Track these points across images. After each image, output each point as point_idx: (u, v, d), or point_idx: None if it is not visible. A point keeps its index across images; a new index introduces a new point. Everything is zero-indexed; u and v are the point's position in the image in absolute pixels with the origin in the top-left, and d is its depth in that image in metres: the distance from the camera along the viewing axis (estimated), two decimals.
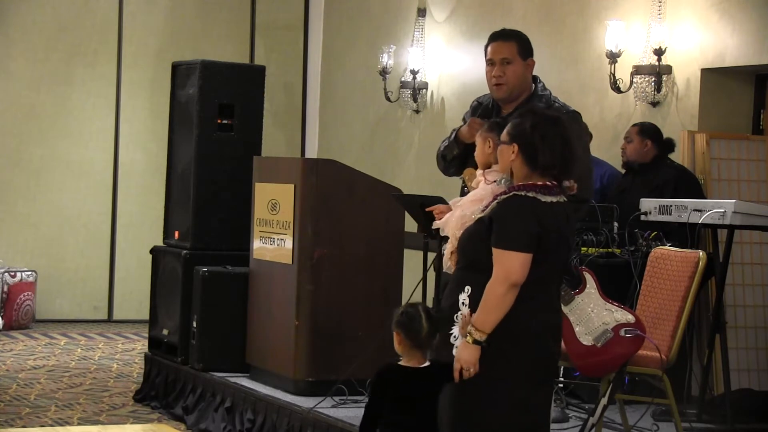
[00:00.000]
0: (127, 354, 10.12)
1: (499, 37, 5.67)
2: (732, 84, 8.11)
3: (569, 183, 4.60)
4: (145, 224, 11.62)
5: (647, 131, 7.85)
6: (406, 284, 7.25)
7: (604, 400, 5.61)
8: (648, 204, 6.97)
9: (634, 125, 7.95)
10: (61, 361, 9.63)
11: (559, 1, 9.18)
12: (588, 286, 5.49)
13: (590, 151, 5.72)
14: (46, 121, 11.73)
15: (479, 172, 5.16)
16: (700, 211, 6.57)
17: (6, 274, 11.16)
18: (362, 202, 7.16)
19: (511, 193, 4.41)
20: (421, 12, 10.70)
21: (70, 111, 11.81)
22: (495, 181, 4.78)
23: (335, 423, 6.41)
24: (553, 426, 4.63)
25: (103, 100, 11.92)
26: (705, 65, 8.00)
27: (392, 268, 7.24)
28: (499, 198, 4.43)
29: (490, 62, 5.63)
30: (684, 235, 6.64)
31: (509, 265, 4.30)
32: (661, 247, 6.45)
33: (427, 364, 4.53)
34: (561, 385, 6.60)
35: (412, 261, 7.48)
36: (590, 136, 5.84)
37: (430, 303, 6.70)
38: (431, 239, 6.68)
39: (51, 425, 7.40)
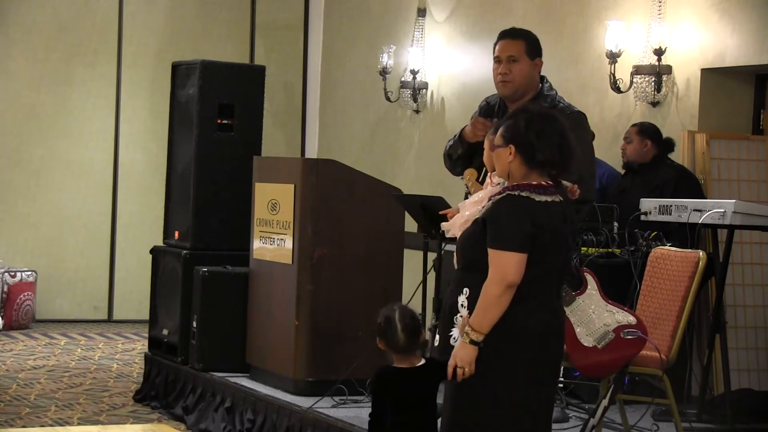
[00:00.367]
0: (127, 354, 10.13)
1: (508, 35, 5.67)
2: (732, 84, 8.11)
3: (570, 185, 4.60)
4: (145, 224, 11.62)
5: (647, 131, 7.86)
6: (406, 284, 7.25)
7: (604, 401, 5.60)
8: (648, 204, 6.97)
9: (634, 125, 7.95)
10: (61, 361, 9.63)
11: (559, 1, 9.18)
12: (589, 287, 5.48)
13: (594, 153, 5.70)
14: (46, 121, 11.73)
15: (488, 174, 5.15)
16: (700, 211, 6.57)
17: (6, 274, 11.16)
18: (362, 202, 7.16)
19: (504, 193, 4.39)
20: (421, 12, 10.70)
21: (70, 111, 11.81)
22: (499, 183, 4.77)
23: (335, 423, 6.41)
24: (553, 426, 4.62)
25: (103, 100, 11.92)
26: (705, 65, 8.00)
27: (392, 268, 7.24)
28: (493, 198, 4.43)
29: (497, 59, 5.62)
30: (684, 235, 6.64)
31: (504, 266, 4.30)
32: (661, 247, 6.45)
33: (422, 362, 4.55)
34: (561, 385, 6.60)
35: (412, 261, 7.49)
36: (593, 135, 5.82)
37: (430, 303, 6.72)
38: (431, 239, 6.70)
39: (51, 425, 7.40)
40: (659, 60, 8.13)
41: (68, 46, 11.79)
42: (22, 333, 11.00)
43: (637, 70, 8.26)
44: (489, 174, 5.07)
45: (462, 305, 4.43)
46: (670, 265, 5.99)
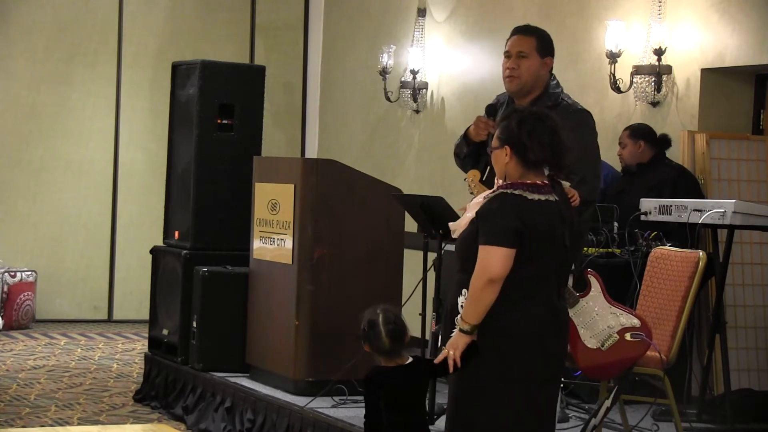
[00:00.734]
0: (127, 354, 10.13)
1: (520, 31, 5.64)
2: (732, 84, 8.10)
3: (568, 187, 4.59)
4: (145, 224, 11.62)
5: (638, 132, 7.90)
6: (406, 284, 7.25)
7: (607, 402, 5.60)
8: (648, 204, 6.97)
9: (625, 129, 8.00)
10: (61, 361, 9.63)
11: (559, 1, 9.18)
12: (593, 289, 5.47)
13: (599, 152, 5.67)
14: (46, 121, 11.73)
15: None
16: (700, 211, 6.57)
17: (6, 274, 11.16)
18: (362, 202, 7.16)
19: (498, 192, 4.41)
20: (421, 12, 10.70)
21: (70, 111, 11.82)
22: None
23: (335, 423, 6.41)
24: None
25: (103, 100, 11.92)
26: (705, 65, 8.00)
27: (392, 268, 7.24)
28: (487, 196, 4.43)
29: (506, 54, 5.59)
30: (684, 235, 6.64)
31: (487, 259, 4.31)
32: (661, 247, 6.45)
33: (410, 360, 4.58)
34: (561, 386, 6.60)
35: (412, 261, 7.48)
36: (596, 135, 5.78)
37: (430, 303, 6.72)
38: (431, 239, 6.70)
39: (51, 425, 7.40)
40: (659, 60, 8.13)
41: (68, 46, 11.79)
42: (22, 333, 11.00)
43: (637, 70, 8.26)
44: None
45: (462, 306, 4.43)
46: (670, 265, 5.99)
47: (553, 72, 5.68)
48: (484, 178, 5.44)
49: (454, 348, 4.40)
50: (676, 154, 7.93)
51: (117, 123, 11.97)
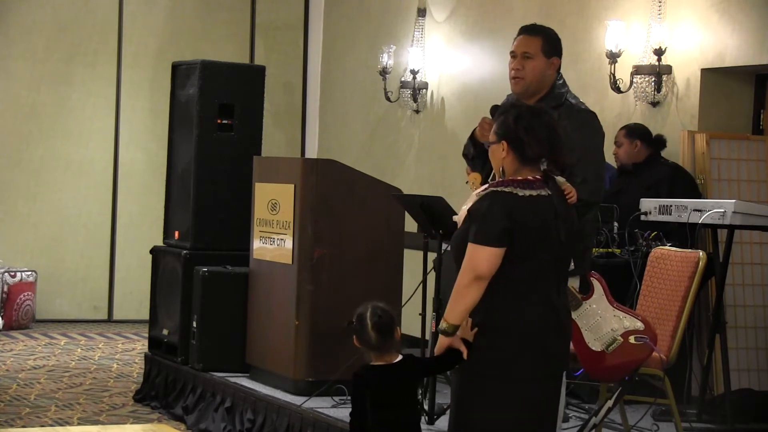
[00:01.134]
0: (127, 354, 10.13)
1: (526, 31, 5.59)
2: (732, 84, 8.11)
3: (563, 182, 4.58)
4: (145, 224, 11.62)
5: (634, 132, 7.93)
6: (406, 284, 7.25)
7: (609, 403, 5.60)
8: (648, 204, 6.96)
9: (621, 128, 8.01)
10: (61, 361, 9.63)
11: (559, 1, 9.18)
12: (596, 291, 5.45)
13: (604, 154, 5.65)
14: (46, 121, 11.73)
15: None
16: (700, 211, 6.57)
17: (6, 274, 11.16)
18: (362, 202, 7.16)
19: (488, 189, 4.40)
20: (421, 12, 10.70)
21: (70, 111, 11.82)
22: None
23: (335, 423, 6.41)
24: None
25: (103, 100, 11.92)
26: (705, 65, 8.00)
27: (392, 268, 7.23)
28: (479, 194, 4.43)
29: (512, 54, 5.56)
30: (684, 235, 6.64)
31: (474, 258, 4.29)
32: (661, 247, 6.45)
33: (399, 358, 4.56)
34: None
35: (412, 261, 7.48)
36: (602, 136, 5.76)
37: (430, 303, 6.72)
38: (431, 239, 6.70)
39: (51, 425, 7.40)
40: (659, 60, 8.13)
41: (68, 46, 11.79)
42: (22, 333, 11.00)
43: (637, 70, 8.26)
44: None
45: None
46: (670, 265, 5.98)
47: (560, 71, 5.64)
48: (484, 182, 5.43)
49: (437, 351, 4.40)
50: (676, 154, 7.94)
51: (117, 123, 11.97)
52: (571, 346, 5.43)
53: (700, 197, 7.47)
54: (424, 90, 10.69)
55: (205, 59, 8.29)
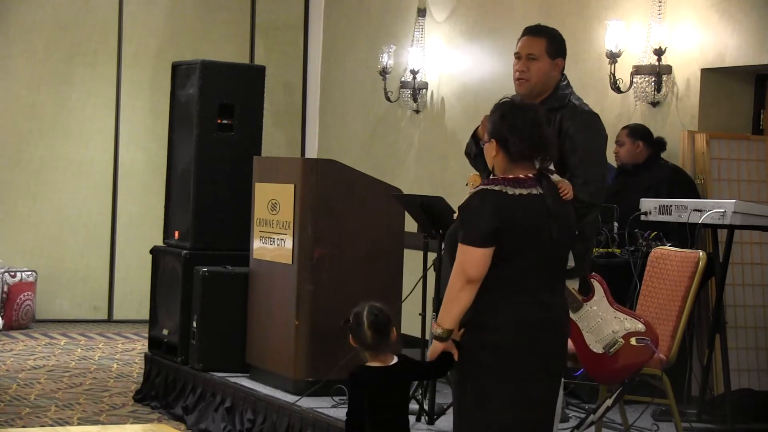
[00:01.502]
0: (127, 354, 10.13)
1: (530, 32, 5.56)
2: (732, 84, 8.11)
3: (558, 180, 4.58)
4: (145, 224, 11.62)
5: (637, 132, 7.91)
6: (406, 284, 7.25)
7: (608, 401, 5.59)
8: (648, 204, 6.96)
9: (624, 128, 7.99)
10: (61, 361, 9.63)
11: (559, 1, 9.18)
12: (596, 293, 5.44)
13: (606, 156, 5.63)
14: (46, 121, 11.73)
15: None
16: (700, 211, 6.57)
17: (6, 274, 11.16)
18: (362, 202, 7.16)
19: (479, 188, 4.39)
20: (421, 12, 10.70)
21: (70, 111, 11.82)
22: None
23: (335, 423, 6.41)
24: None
25: (103, 100, 11.92)
26: (705, 65, 8.00)
27: (392, 268, 7.23)
28: (470, 192, 4.43)
29: (516, 56, 5.54)
30: (684, 235, 6.64)
31: (465, 260, 4.30)
32: (661, 247, 6.45)
33: (395, 361, 4.57)
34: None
35: (412, 261, 7.49)
36: (605, 138, 5.75)
37: (430, 303, 6.72)
38: (431, 239, 6.70)
39: (51, 425, 7.40)
40: (659, 60, 8.13)
41: (68, 46, 11.79)
42: (22, 333, 11.00)
43: (637, 70, 8.26)
44: None
45: None
46: (670, 265, 5.98)
47: (564, 72, 5.62)
48: None
49: (431, 356, 4.41)
50: (676, 154, 7.93)
51: (117, 123, 11.97)
52: (572, 347, 5.45)
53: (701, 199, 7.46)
54: (424, 90, 10.69)
55: (205, 59, 8.29)
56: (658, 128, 8.08)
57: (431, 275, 6.79)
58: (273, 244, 7.28)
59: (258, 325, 7.46)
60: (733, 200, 6.58)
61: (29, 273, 11.35)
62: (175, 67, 8.52)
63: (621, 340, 5.42)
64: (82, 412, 7.81)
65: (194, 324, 7.78)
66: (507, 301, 4.34)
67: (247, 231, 7.60)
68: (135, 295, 11.74)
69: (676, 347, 5.79)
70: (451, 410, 4.76)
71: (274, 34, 12.60)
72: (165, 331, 8.17)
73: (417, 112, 10.79)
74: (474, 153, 5.66)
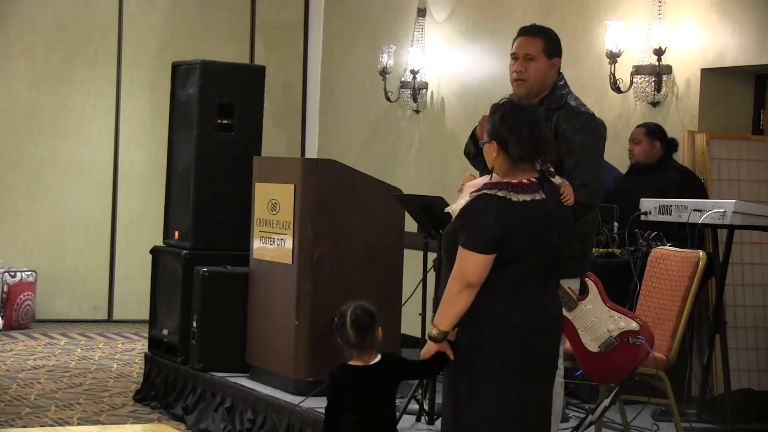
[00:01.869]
0: (127, 354, 10.13)
1: (526, 32, 5.56)
2: (732, 84, 8.11)
3: (560, 182, 4.57)
4: (145, 224, 11.62)
5: (655, 132, 7.78)
6: (406, 284, 7.25)
7: (606, 401, 5.59)
8: (648, 204, 6.96)
9: (640, 126, 7.89)
10: (61, 361, 9.63)
11: (559, 1, 9.18)
12: (590, 293, 5.44)
13: (603, 156, 5.63)
14: (46, 121, 11.73)
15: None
16: (700, 211, 6.56)
17: (6, 274, 11.16)
18: (362, 202, 7.16)
19: (482, 191, 4.38)
20: (421, 12, 10.70)
21: (70, 111, 11.81)
22: None
23: None
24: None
25: (103, 100, 11.92)
26: (705, 65, 8.00)
27: (392, 268, 7.24)
28: (472, 194, 4.41)
29: (513, 56, 5.53)
30: (684, 235, 6.64)
31: (465, 265, 4.29)
32: (661, 247, 6.45)
33: (377, 359, 4.56)
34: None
35: (412, 261, 7.48)
36: (602, 138, 5.74)
37: (430, 303, 6.72)
38: (431, 239, 6.69)
39: (51, 425, 7.40)
40: (659, 60, 8.13)
41: (68, 46, 11.79)
42: (22, 333, 11.00)
43: (637, 70, 8.26)
44: None
45: None
46: (670, 265, 5.99)
47: (561, 71, 5.62)
48: None
49: (423, 355, 4.41)
50: (677, 154, 7.93)
51: (117, 123, 11.97)
52: (569, 346, 5.45)
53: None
54: (424, 90, 10.69)
55: (205, 59, 8.29)
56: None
57: (431, 275, 6.79)
58: (273, 244, 7.28)
59: (258, 325, 7.46)
60: (733, 200, 6.58)
61: (29, 273, 11.35)
62: (175, 67, 8.52)
63: (616, 339, 5.42)
64: (82, 412, 7.80)
65: (194, 324, 7.78)
66: (504, 302, 4.34)
67: (247, 231, 7.60)
68: (135, 295, 11.74)
69: (676, 347, 5.79)
70: None
71: (274, 34, 12.60)
72: (165, 331, 8.17)
73: (417, 112, 10.79)
74: (473, 153, 5.65)
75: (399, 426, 6.39)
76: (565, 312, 5.31)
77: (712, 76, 8.03)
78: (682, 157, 7.90)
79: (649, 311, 5.96)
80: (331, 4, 12.22)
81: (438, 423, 6.36)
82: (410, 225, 7.17)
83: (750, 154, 7.83)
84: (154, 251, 8.48)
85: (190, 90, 8.18)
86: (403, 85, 10.74)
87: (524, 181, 4.36)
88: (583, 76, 8.71)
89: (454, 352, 4.37)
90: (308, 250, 7.04)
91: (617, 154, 8.17)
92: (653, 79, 8.18)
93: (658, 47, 8.12)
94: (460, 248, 4.31)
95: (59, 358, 9.80)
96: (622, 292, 6.75)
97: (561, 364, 5.42)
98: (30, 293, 11.30)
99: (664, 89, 8.19)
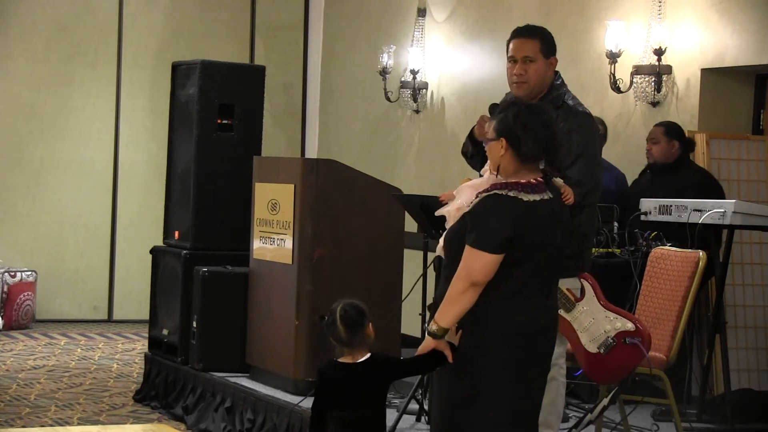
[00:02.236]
0: (127, 354, 10.13)
1: (521, 33, 5.54)
2: (732, 84, 8.10)
3: (561, 184, 4.58)
4: (145, 224, 11.62)
5: (674, 132, 7.62)
6: (406, 284, 7.25)
7: (605, 401, 5.60)
8: (648, 204, 6.96)
9: (659, 126, 7.72)
10: (61, 361, 9.63)
11: (559, 1, 9.18)
12: (587, 293, 5.44)
13: (600, 155, 5.62)
14: (46, 121, 11.73)
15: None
16: (700, 211, 6.56)
17: (6, 274, 11.16)
18: (362, 202, 7.16)
19: (492, 191, 4.37)
20: (421, 12, 10.70)
21: (70, 111, 11.81)
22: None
23: None
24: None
25: (103, 100, 11.92)
26: (705, 65, 8.00)
27: (392, 268, 7.23)
28: (480, 194, 4.40)
29: (511, 59, 5.51)
30: (684, 235, 6.63)
31: (473, 264, 4.28)
32: (661, 247, 6.45)
33: (366, 357, 4.54)
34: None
35: (412, 261, 7.49)
36: (600, 137, 5.72)
37: (429, 303, 6.71)
38: (431, 239, 6.69)
39: (51, 425, 7.40)
40: (659, 60, 8.13)
41: (68, 46, 11.79)
42: (22, 333, 11.00)
43: (637, 70, 8.26)
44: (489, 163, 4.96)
45: None
46: (670, 265, 5.99)
47: (557, 70, 5.62)
48: None
49: (420, 351, 4.40)
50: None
51: (117, 123, 11.97)
52: (570, 347, 5.45)
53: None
54: (424, 90, 10.69)
55: (205, 59, 8.29)
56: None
57: (431, 275, 6.79)
58: (273, 244, 7.28)
59: (258, 325, 7.46)
60: (733, 200, 6.57)
61: (29, 273, 11.35)
62: (175, 67, 8.52)
63: (613, 339, 5.42)
64: (82, 412, 7.80)
65: (194, 324, 7.78)
66: (509, 302, 4.34)
67: (247, 231, 7.60)
68: (135, 295, 11.74)
69: (676, 347, 5.79)
70: None
71: (274, 34, 12.60)
72: (165, 331, 8.17)
73: (417, 112, 10.79)
74: (470, 153, 5.66)
75: (399, 426, 6.40)
76: (563, 313, 5.32)
77: (712, 76, 8.03)
78: None
79: (649, 311, 5.97)
80: (331, 4, 12.23)
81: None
82: (410, 225, 7.17)
83: (750, 154, 7.83)
84: (154, 251, 8.49)
85: (190, 90, 8.18)
86: (403, 85, 10.74)
87: (532, 180, 4.36)
88: (583, 76, 8.71)
89: (456, 351, 4.36)
90: (308, 250, 7.04)
91: (617, 154, 8.17)
92: (653, 79, 8.18)
93: (658, 47, 8.12)
94: (467, 247, 4.30)
95: (59, 358, 9.80)
96: (622, 292, 6.75)
97: (563, 363, 5.43)
98: (30, 293, 11.30)
99: (664, 89, 8.19)
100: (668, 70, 8.16)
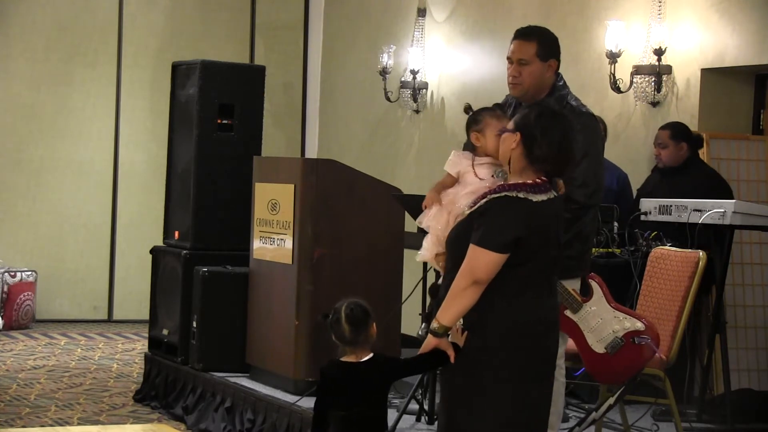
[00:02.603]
0: (127, 354, 10.13)
1: (521, 35, 5.51)
2: (732, 84, 8.11)
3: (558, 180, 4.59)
4: (145, 224, 11.62)
5: (681, 134, 7.54)
6: (406, 284, 7.25)
7: (611, 400, 5.60)
8: (648, 204, 6.96)
9: (664, 129, 7.63)
10: (61, 361, 9.63)
11: (559, 1, 9.18)
12: (595, 294, 5.44)
13: (603, 155, 5.62)
14: (46, 121, 11.73)
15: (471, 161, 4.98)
16: (700, 211, 6.56)
17: (6, 274, 11.16)
18: (362, 202, 7.16)
19: (502, 194, 4.37)
20: (421, 12, 10.70)
21: (70, 111, 11.82)
22: (493, 175, 4.74)
23: None
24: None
25: (103, 100, 11.92)
26: (705, 65, 8.00)
27: (392, 268, 7.23)
28: (489, 196, 4.40)
29: (509, 60, 5.52)
30: (684, 235, 6.63)
31: (476, 262, 4.28)
32: (661, 247, 6.45)
33: (369, 356, 4.53)
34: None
35: (412, 261, 7.47)
36: (603, 138, 5.71)
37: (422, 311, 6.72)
38: None
39: (51, 425, 7.40)
40: (659, 60, 8.13)
41: (68, 46, 11.79)
42: (22, 333, 11.00)
43: (637, 70, 8.26)
44: (472, 163, 4.91)
45: None
46: (670, 265, 5.99)
47: (560, 71, 5.60)
48: None
49: (423, 350, 4.40)
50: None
51: (117, 123, 11.97)
52: (575, 347, 5.45)
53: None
54: (424, 90, 10.69)
55: (205, 59, 8.29)
56: (658, 128, 8.07)
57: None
58: (273, 244, 7.28)
59: (258, 325, 7.46)
60: (733, 200, 6.57)
61: (29, 273, 11.35)
62: (175, 67, 8.52)
63: (621, 339, 5.42)
64: (82, 412, 7.81)
65: (194, 324, 7.78)
66: (513, 301, 4.34)
67: (247, 231, 7.60)
68: (135, 295, 11.74)
69: (676, 347, 5.79)
70: None
71: (274, 34, 12.60)
72: (165, 331, 8.17)
73: (417, 112, 10.79)
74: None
75: (399, 426, 6.40)
76: (570, 314, 5.32)
77: (712, 76, 8.03)
78: None
79: (649, 311, 5.96)
80: (331, 4, 12.23)
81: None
82: (410, 225, 7.16)
83: (750, 154, 7.83)
84: (154, 251, 8.49)
85: (190, 90, 8.18)
86: (403, 85, 10.74)
87: (538, 180, 4.37)
88: (583, 76, 8.71)
89: (460, 351, 4.36)
90: (308, 250, 7.04)
91: (617, 154, 8.17)
92: (653, 79, 8.18)
93: (658, 47, 8.12)
94: (472, 245, 4.30)
95: (59, 358, 9.80)
96: (622, 292, 6.74)
97: (563, 363, 5.42)
98: (30, 293, 11.31)
99: (664, 89, 8.19)
100: (668, 70, 8.16)
